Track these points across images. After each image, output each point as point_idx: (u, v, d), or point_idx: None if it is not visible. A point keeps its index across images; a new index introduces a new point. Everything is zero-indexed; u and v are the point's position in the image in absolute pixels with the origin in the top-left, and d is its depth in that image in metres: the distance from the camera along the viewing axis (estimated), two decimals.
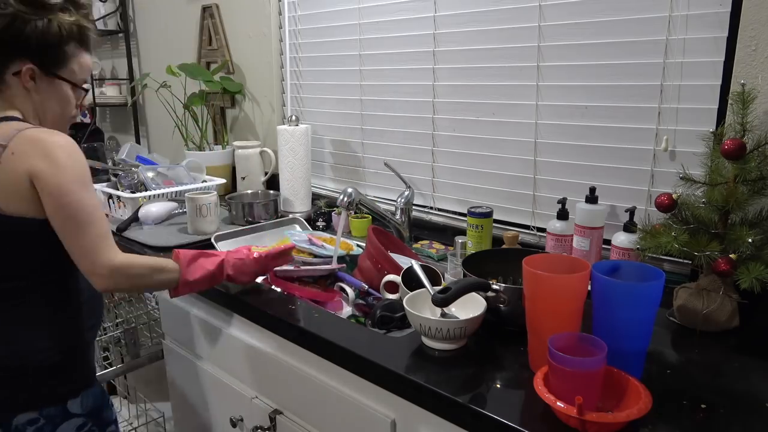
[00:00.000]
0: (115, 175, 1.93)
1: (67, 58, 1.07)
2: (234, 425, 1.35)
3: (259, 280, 1.32)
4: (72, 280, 1.08)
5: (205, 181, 2.04)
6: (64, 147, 1.00)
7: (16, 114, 1.06)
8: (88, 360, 1.11)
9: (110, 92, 2.91)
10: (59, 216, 0.99)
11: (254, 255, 1.22)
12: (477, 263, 1.14)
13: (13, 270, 1.01)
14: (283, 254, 1.27)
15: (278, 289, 1.29)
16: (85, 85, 1.14)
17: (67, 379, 1.06)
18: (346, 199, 1.50)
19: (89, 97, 2.82)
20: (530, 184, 1.51)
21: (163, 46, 2.68)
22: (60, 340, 1.05)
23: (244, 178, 2.12)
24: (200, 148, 2.27)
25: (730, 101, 1.10)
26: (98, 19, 2.74)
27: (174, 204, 1.83)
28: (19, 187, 0.98)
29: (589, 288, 0.88)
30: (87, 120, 3.29)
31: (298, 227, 1.73)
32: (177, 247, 1.56)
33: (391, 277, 1.29)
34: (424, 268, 1.21)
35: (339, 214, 1.53)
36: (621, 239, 1.21)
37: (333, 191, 2.05)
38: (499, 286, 1.01)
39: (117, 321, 1.88)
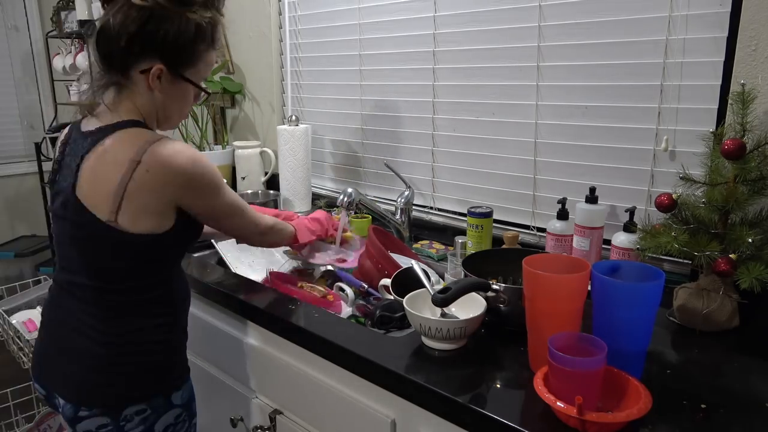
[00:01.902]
0: None
1: (196, 57, 1.03)
2: (234, 425, 1.35)
3: (259, 279, 1.32)
4: (172, 283, 1.11)
5: None
6: (197, 167, 1.00)
7: (137, 117, 1.02)
8: (185, 354, 1.16)
9: None
10: (213, 219, 1.09)
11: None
12: (477, 263, 1.14)
13: (127, 283, 1.03)
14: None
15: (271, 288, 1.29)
16: (204, 85, 1.11)
17: (174, 374, 1.11)
18: (346, 199, 1.50)
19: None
20: (530, 184, 1.51)
21: None
22: (170, 339, 1.10)
23: (244, 178, 2.12)
24: (200, 148, 2.27)
25: (730, 101, 1.10)
26: (98, 19, 2.74)
27: None
28: (157, 208, 0.98)
29: (589, 288, 0.88)
30: None
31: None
32: None
33: (385, 281, 1.29)
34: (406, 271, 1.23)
35: (339, 214, 1.53)
36: (621, 239, 1.21)
37: (333, 191, 2.05)
38: (499, 286, 1.01)
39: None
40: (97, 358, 1.02)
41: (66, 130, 1.09)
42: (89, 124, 1.02)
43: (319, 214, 1.41)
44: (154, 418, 1.06)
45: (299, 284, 1.31)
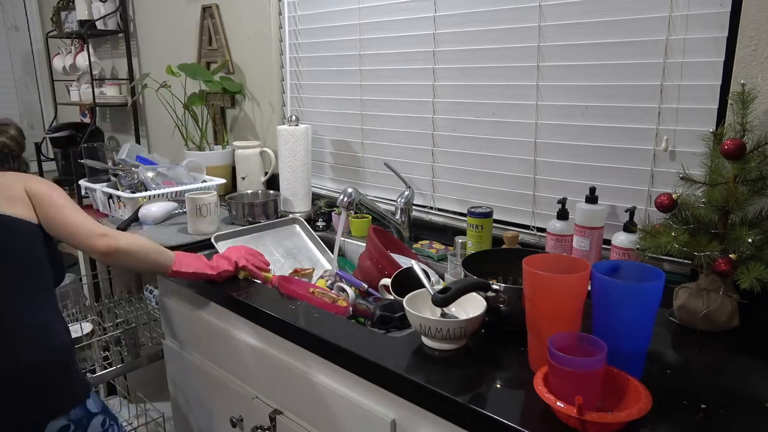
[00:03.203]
0: (115, 175, 1.93)
1: None
2: (234, 425, 1.35)
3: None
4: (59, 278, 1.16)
5: (205, 181, 2.04)
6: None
7: None
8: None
9: (110, 92, 2.91)
10: (58, 217, 1.14)
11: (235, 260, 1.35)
12: (477, 263, 1.14)
13: (34, 278, 1.04)
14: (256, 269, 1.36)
15: (276, 289, 1.29)
16: None
17: (79, 376, 1.08)
18: (346, 199, 1.50)
19: (89, 97, 2.83)
20: (530, 184, 1.51)
21: (163, 46, 2.68)
22: (69, 342, 1.08)
23: (244, 178, 2.11)
24: (200, 148, 2.27)
25: (730, 101, 1.10)
26: (98, 19, 2.74)
27: (174, 204, 1.83)
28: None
29: (589, 288, 0.88)
30: (87, 120, 3.29)
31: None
32: (177, 248, 1.57)
33: (385, 281, 1.29)
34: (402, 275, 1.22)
35: (339, 214, 1.53)
36: (621, 239, 1.21)
37: (333, 191, 2.05)
38: (499, 286, 1.01)
39: (117, 321, 1.88)
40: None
41: None
42: None
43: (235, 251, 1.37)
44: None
45: (311, 290, 1.31)
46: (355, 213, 1.75)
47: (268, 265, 1.36)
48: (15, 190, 1.14)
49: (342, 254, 1.73)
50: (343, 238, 1.73)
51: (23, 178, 1.20)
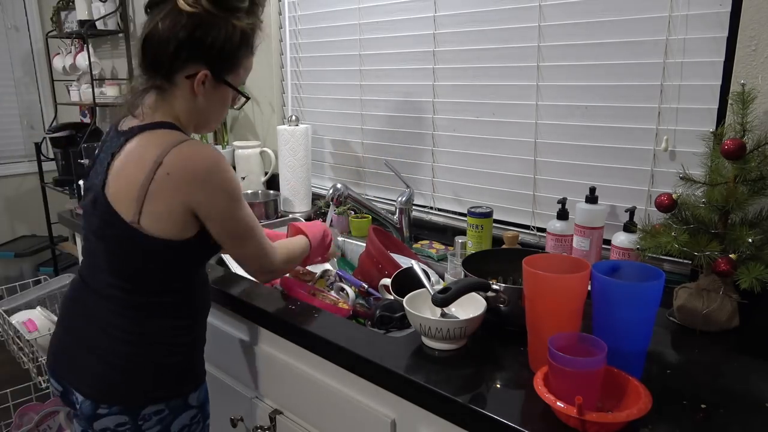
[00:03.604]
0: None
1: (238, 63, 1.04)
2: (234, 425, 1.35)
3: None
4: (195, 288, 1.11)
5: None
6: (218, 169, 0.98)
7: (172, 120, 1.03)
8: (203, 357, 1.16)
9: (110, 92, 2.91)
10: (223, 235, 1.03)
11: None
12: (477, 263, 1.14)
13: (151, 285, 1.04)
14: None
15: (279, 289, 1.29)
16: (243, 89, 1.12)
17: (192, 375, 1.11)
18: (335, 193, 1.55)
19: (89, 97, 2.83)
20: (530, 184, 1.51)
21: None
22: (190, 341, 1.10)
23: (244, 178, 2.12)
24: None
25: (730, 101, 1.10)
26: (98, 19, 2.74)
27: None
28: (173, 214, 0.97)
29: (589, 288, 0.88)
30: (87, 120, 3.29)
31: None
32: None
33: (385, 281, 1.29)
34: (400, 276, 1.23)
35: (327, 207, 1.57)
36: (621, 239, 1.21)
37: None
38: (499, 286, 1.01)
39: None
40: (119, 357, 1.02)
41: (108, 129, 1.10)
42: (126, 124, 1.03)
43: (317, 228, 1.34)
44: (171, 418, 1.06)
45: (311, 292, 1.31)
46: (355, 213, 1.75)
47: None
48: None
49: (342, 254, 1.73)
50: (342, 238, 1.73)
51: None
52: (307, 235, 1.27)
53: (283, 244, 1.19)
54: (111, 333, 1.02)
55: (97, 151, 1.08)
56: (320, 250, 1.31)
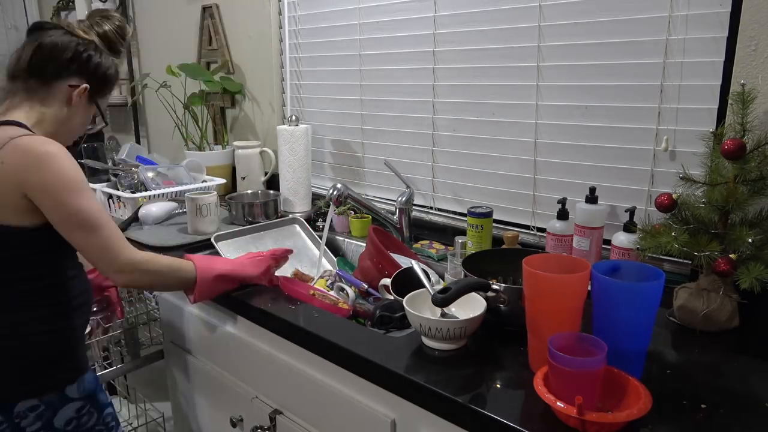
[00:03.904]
0: (115, 175, 1.93)
1: (109, 91, 1.22)
2: (234, 425, 1.35)
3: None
4: (62, 276, 1.11)
5: (205, 181, 2.04)
6: (54, 156, 1.02)
7: (19, 119, 1.08)
8: (83, 348, 1.16)
9: None
10: (65, 226, 1.04)
11: (264, 252, 1.31)
12: (477, 263, 1.14)
13: (5, 274, 1.04)
14: (286, 253, 1.33)
15: (278, 289, 1.29)
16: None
17: (65, 367, 1.11)
18: (335, 193, 1.53)
19: None
20: (530, 184, 1.51)
21: (163, 46, 2.68)
22: (56, 331, 1.09)
23: (244, 178, 2.11)
24: (200, 148, 2.27)
25: (730, 101, 1.10)
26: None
27: (174, 204, 1.83)
28: (9, 200, 1.01)
29: (589, 288, 0.88)
30: None
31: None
32: (177, 247, 1.57)
33: (385, 281, 1.29)
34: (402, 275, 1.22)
35: (327, 207, 1.56)
36: (621, 239, 1.21)
37: None
38: (499, 286, 1.01)
39: (117, 321, 1.88)
40: None
41: None
42: None
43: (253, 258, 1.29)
44: (51, 413, 1.06)
45: (311, 292, 1.31)
46: (355, 213, 1.75)
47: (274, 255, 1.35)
48: None
49: (342, 254, 1.73)
50: (342, 238, 1.73)
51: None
52: (194, 263, 1.19)
53: (157, 255, 1.15)
54: None
55: None
56: (215, 285, 1.21)
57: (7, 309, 1.04)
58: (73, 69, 1.12)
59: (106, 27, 1.17)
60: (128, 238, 1.63)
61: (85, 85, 1.13)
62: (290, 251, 1.35)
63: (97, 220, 1.05)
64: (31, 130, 1.07)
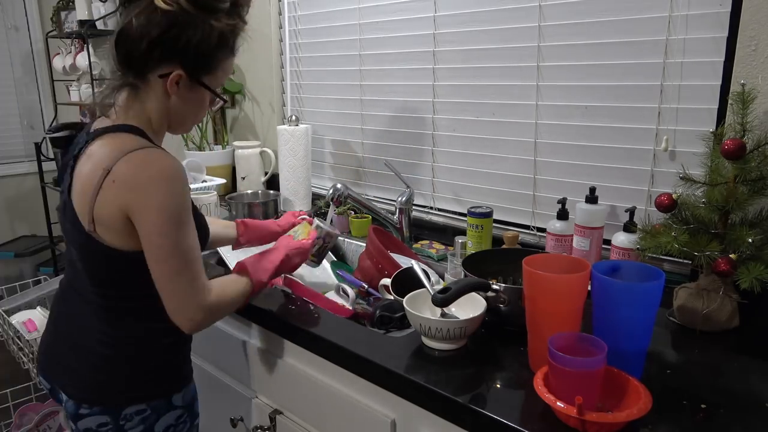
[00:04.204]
0: None
1: (216, 65, 1.01)
2: (234, 425, 1.35)
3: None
4: None
5: (205, 181, 2.04)
6: (162, 181, 0.91)
7: (141, 122, 0.99)
8: (189, 360, 1.15)
9: None
10: (150, 253, 0.94)
11: (305, 240, 1.22)
12: (477, 263, 1.14)
13: (122, 290, 1.02)
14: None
15: (279, 289, 1.29)
16: (221, 92, 1.07)
17: (174, 377, 1.11)
18: (335, 193, 1.54)
19: (89, 97, 2.82)
20: (530, 184, 1.51)
21: None
22: (170, 344, 1.09)
23: (244, 178, 2.12)
24: (200, 148, 2.27)
25: (730, 101, 1.10)
26: (98, 19, 2.74)
27: None
28: (113, 222, 0.93)
29: (589, 288, 0.88)
30: (87, 120, 3.28)
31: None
32: None
33: (385, 281, 1.29)
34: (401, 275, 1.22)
35: (327, 207, 1.56)
36: (621, 239, 1.21)
37: None
38: (499, 286, 1.01)
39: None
40: (99, 357, 1.02)
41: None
42: (97, 124, 1.01)
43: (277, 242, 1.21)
44: (154, 418, 1.06)
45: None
46: (355, 213, 1.75)
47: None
48: None
49: (342, 255, 1.73)
50: (342, 238, 1.73)
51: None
52: (248, 272, 1.08)
53: (223, 287, 1.02)
54: (90, 334, 1.03)
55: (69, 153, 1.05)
56: (268, 285, 1.13)
57: (124, 321, 1.03)
58: (157, 56, 0.94)
59: None
60: None
61: (176, 73, 0.95)
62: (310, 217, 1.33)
63: (187, 263, 0.94)
64: (146, 135, 0.98)
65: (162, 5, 0.92)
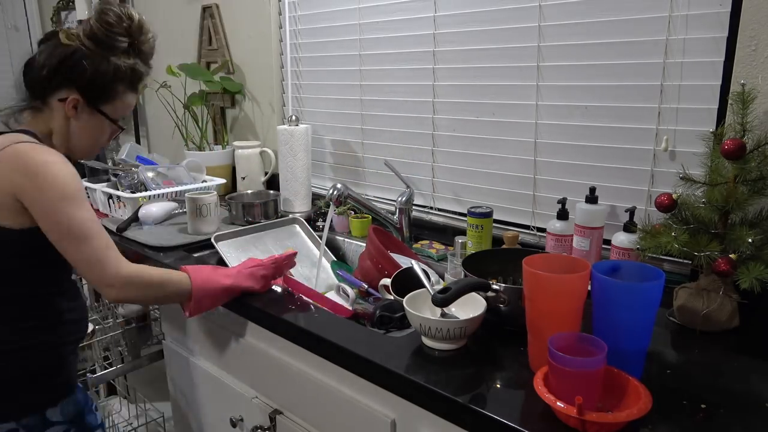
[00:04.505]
0: (115, 175, 1.93)
1: (114, 95, 1.13)
2: (234, 425, 1.35)
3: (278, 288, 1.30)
4: (53, 293, 1.08)
5: (205, 181, 2.04)
6: (50, 164, 1.00)
7: (32, 129, 1.09)
8: (70, 369, 1.11)
9: None
10: (55, 235, 1.01)
11: (265, 260, 1.24)
12: (477, 263, 1.14)
13: None
14: (290, 258, 1.28)
15: (278, 289, 1.29)
16: (120, 123, 1.19)
17: (46, 388, 1.06)
18: (335, 193, 1.53)
19: None
20: (530, 184, 1.51)
21: (163, 46, 2.67)
22: (40, 347, 1.05)
23: (244, 178, 2.12)
24: (200, 148, 2.27)
25: (730, 101, 1.10)
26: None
27: (174, 204, 1.83)
28: (3, 201, 1.00)
29: (589, 288, 0.88)
30: None
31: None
32: (177, 247, 1.57)
33: (385, 281, 1.29)
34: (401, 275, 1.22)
35: (327, 207, 1.55)
36: (621, 239, 1.21)
37: None
38: (499, 286, 1.01)
39: (117, 321, 1.88)
40: None
41: None
42: None
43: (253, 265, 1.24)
44: None
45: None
46: (355, 213, 1.75)
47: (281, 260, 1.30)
48: None
49: (342, 255, 1.73)
50: (342, 238, 1.73)
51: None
52: (189, 275, 1.13)
53: (150, 267, 1.09)
54: None
55: None
56: (213, 299, 1.16)
57: None
58: (56, 82, 1.08)
59: (93, 23, 1.08)
60: (128, 238, 1.65)
61: (73, 97, 1.08)
62: (295, 254, 1.29)
63: (88, 230, 1.01)
64: (40, 140, 1.07)
65: (65, 41, 1.07)
